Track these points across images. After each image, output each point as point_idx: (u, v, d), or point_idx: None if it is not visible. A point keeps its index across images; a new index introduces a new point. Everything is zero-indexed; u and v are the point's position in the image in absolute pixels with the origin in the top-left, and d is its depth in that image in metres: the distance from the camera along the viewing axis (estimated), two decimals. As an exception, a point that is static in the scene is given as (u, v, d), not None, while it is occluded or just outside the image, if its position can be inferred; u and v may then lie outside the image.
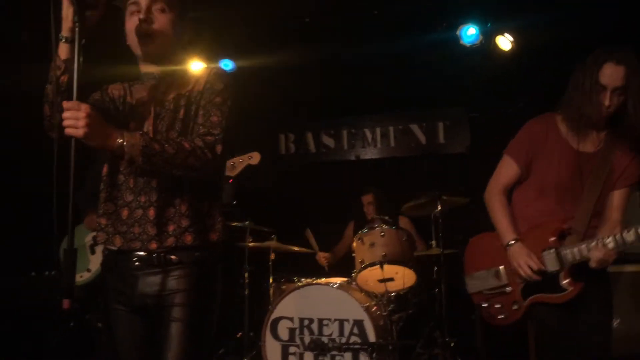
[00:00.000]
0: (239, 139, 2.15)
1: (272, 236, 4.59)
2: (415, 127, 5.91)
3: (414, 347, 4.13)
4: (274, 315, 4.03)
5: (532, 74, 4.96)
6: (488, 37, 4.87)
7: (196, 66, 4.77)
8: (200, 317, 1.97)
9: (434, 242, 4.51)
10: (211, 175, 2.02)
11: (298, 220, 5.49)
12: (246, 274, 4.60)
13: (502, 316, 2.70)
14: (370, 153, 6.07)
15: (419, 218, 4.89)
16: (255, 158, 3.85)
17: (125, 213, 1.96)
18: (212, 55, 5.04)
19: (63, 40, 1.83)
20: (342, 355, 3.84)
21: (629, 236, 2.38)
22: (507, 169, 2.73)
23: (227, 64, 5.31)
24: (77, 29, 1.75)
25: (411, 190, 4.73)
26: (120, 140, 1.78)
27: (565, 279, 2.51)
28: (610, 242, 2.41)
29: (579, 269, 2.50)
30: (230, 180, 4.45)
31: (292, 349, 3.97)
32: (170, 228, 1.94)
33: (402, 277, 4.18)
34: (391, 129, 5.99)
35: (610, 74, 2.40)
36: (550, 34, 4.51)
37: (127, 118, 2.02)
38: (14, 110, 4.01)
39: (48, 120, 1.88)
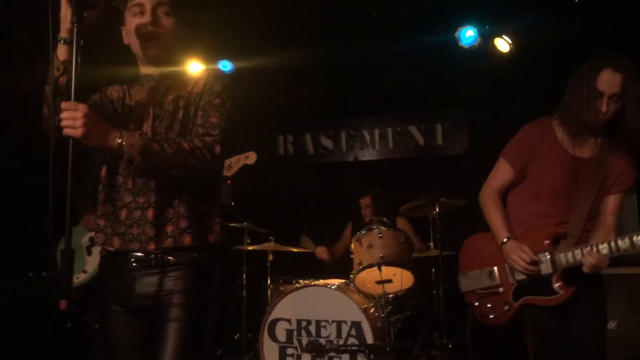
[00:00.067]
0: (237, 140, 2.15)
1: (271, 237, 4.59)
2: (413, 129, 5.91)
3: (411, 348, 4.13)
4: (271, 317, 4.03)
5: (530, 76, 4.97)
6: (486, 39, 4.88)
7: (195, 67, 4.77)
8: (198, 317, 1.97)
9: (431, 244, 4.51)
10: (210, 176, 2.02)
11: (296, 221, 5.50)
12: (244, 275, 4.60)
13: (492, 316, 2.74)
14: (368, 154, 6.07)
15: (417, 219, 4.90)
16: (251, 158, 3.85)
17: (123, 214, 1.96)
18: (210, 56, 5.04)
19: (62, 42, 1.83)
20: (339, 357, 3.85)
21: (624, 244, 2.40)
22: (502, 172, 2.76)
23: (225, 65, 5.31)
24: (75, 29, 1.75)
25: (409, 191, 4.73)
26: (119, 140, 1.78)
27: (557, 283, 2.54)
28: (604, 248, 2.43)
29: (572, 273, 2.52)
30: (229, 182, 4.45)
31: (289, 351, 3.97)
32: (169, 229, 1.94)
33: (400, 278, 4.18)
34: (390, 130, 5.99)
35: (608, 81, 2.42)
36: (548, 35, 4.52)
37: (126, 119, 2.02)
38: (14, 110, 4.01)
39: (47, 122, 1.88)
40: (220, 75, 2.10)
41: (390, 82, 5.45)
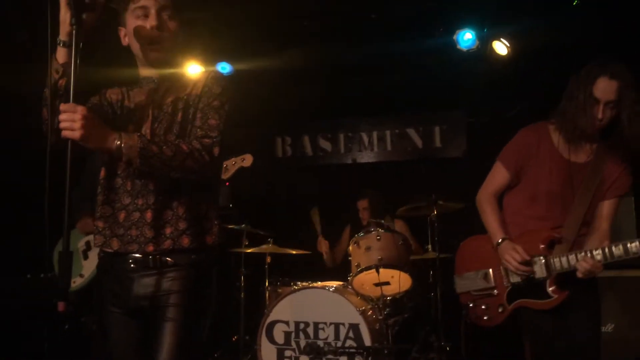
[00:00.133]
0: (236, 142, 2.16)
1: (269, 239, 4.59)
2: (412, 131, 5.92)
3: (409, 351, 4.13)
4: (269, 319, 4.02)
5: (529, 78, 4.99)
6: (484, 42, 4.89)
7: (193, 69, 4.78)
8: (195, 318, 1.97)
9: (429, 246, 4.52)
10: (208, 177, 2.03)
11: (294, 223, 5.50)
12: (242, 277, 4.60)
13: (486, 317, 2.78)
14: (367, 157, 6.08)
15: (415, 222, 4.90)
16: (247, 160, 3.84)
17: (122, 216, 1.96)
18: (209, 58, 5.04)
19: (61, 45, 1.83)
20: (337, 359, 3.84)
21: (617, 250, 2.43)
22: (498, 175, 2.80)
23: (224, 67, 5.32)
24: (74, 32, 1.75)
25: (408, 194, 4.74)
26: (118, 142, 1.78)
27: (551, 286, 2.56)
28: (598, 254, 2.46)
29: (566, 277, 2.55)
30: (227, 183, 4.45)
31: (287, 353, 3.97)
32: (168, 231, 1.94)
33: (398, 281, 4.18)
34: (388, 132, 6.00)
35: (604, 88, 2.45)
36: (546, 38, 4.54)
37: (125, 122, 2.02)
38: (15, 110, 4.01)
39: (46, 124, 1.88)
40: (219, 77, 2.11)
41: (389, 84, 5.46)
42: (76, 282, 3.77)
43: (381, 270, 4.08)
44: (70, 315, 1.72)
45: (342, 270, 4.65)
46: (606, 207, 2.63)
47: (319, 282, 4.22)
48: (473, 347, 4.10)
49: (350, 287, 4.20)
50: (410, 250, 4.40)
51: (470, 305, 2.84)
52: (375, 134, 6.03)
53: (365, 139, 6.07)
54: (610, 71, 2.45)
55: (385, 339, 3.91)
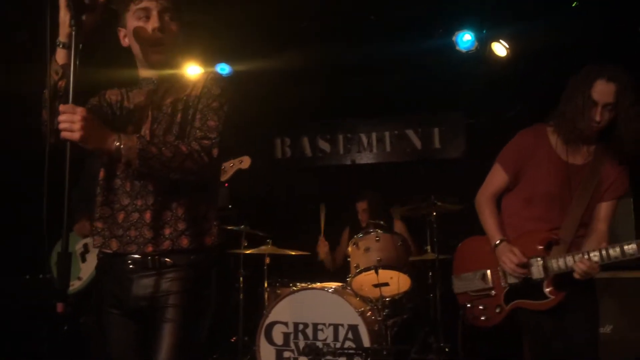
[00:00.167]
0: (235, 143, 2.16)
1: (268, 240, 4.59)
2: (410, 132, 5.93)
3: (408, 352, 4.13)
4: (268, 320, 4.02)
5: (528, 80, 4.99)
6: (484, 43, 4.90)
7: (193, 70, 4.78)
8: (193, 319, 1.97)
9: (428, 247, 4.52)
10: (208, 178, 2.03)
11: (293, 224, 5.50)
12: (241, 278, 4.60)
13: (484, 318, 2.79)
14: (366, 158, 6.09)
15: (414, 223, 4.90)
16: (245, 162, 3.84)
17: (121, 217, 1.96)
18: (208, 58, 5.05)
19: (60, 46, 1.84)
20: (336, 360, 3.85)
21: (614, 252, 2.44)
22: (496, 177, 2.81)
23: (223, 68, 5.32)
24: (74, 33, 1.75)
25: (407, 195, 4.74)
26: (117, 143, 1.78)
27: (548, 287, 2.58)
28: (595, 255, 2.47)
29: (564, 278, 2.56)
30: (226, 184, 4.45)
31: (286, 354, 3.97)
32: (167, 231, 1.94)
33: (397, 282, 4.19)
34: (387, 133, 6.01)
35: (602, 91, 2.47)
36: (545, 40, 4.55)
37: (124, 123, 2.02)
38: (15, 110, 4.01)
39: (46, 125, 1.88)
40: (218, 78, 2.11)
41: (388, 85, 5.47)
42: (74, 285, 3.76)
43: (380, 271, 4.09)
44: (69, 317, 1.72)
45: (341, 271, 4.65)
46: (604, 209, 2.64)
47: (318, 283, 4.22)
48: (470, 347, 4.10)
49: (349, 288, 4.20)
50: (410, 251, 4.41)
51: (468, 305, 2.86)
52: (374, 135, 6.04)
53: (365, 140, 6.08)
54: (608, 74, 2.47)
55: (384, 340, 3.91)
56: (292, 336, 3.96)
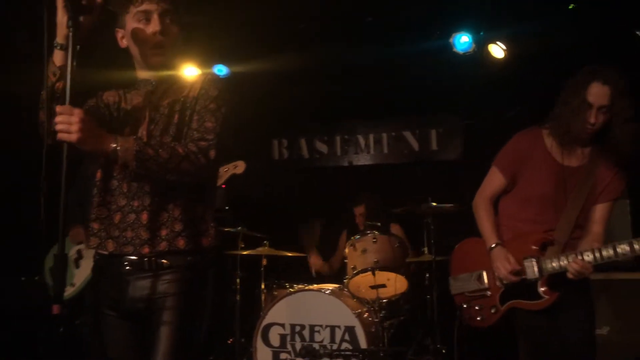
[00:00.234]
0: (233, 145, 2.16)
1: (265, 242, 4.58)
2: (408, 134, 5.94)
3: (405, 353, 4.13)
4: (265, 321, 4.02)
5: (525, 82, 5.00)
6: (481, 45, 4.91)
7: (190, 71, 4.77)
8: (190, 321, 1.96)
9: (425, 249, 4.52)
10: (205, 180, 2.02)
11: (291, 225, 5.49)
12: (238, 280, 4.59)
13: (480, 318, 2.81)
14: (363, 159, 6.09)
15: (411, 224, 4.90)
16: (240, 167, 3.82)
17: (117, 217, 1.96)
18: (206, 60, 5.04)
19: (58, 47, 1.84)
20: (333, 362, 3.84)
21: (607, 252, 2.47)
22: (493, 180, 2.84)
23: (221, 70, 5.32)
24: (71, 34, 1.75)
25: (404, 196, 4.74)
26: (114, 145, 1.78)
27: (542, 287, 2.60)
28: (588, 255, 2.50)
29: (558, 279, 2.58)
30: (223, 186, 4.44)
31: (283, 355, 3.97)
32: (163, 232, 1.94)
33: (394, 283, 4.19)
34: (384, 135, 6.02)
35: (596, 93, 2.49)
36: (542, 42, 4.56)
37: (121, 124, 2.02)
38: (14, 110, 4.00)
39: (43, 127, 1.87)
40: (216, 79, 2.11)
41: (385, 87, 5.47)
42: (67, 291, 3.73)
43: (377, 272, 4.09)
44: (65, 318, 1.71)
45: (338, 273, 4.65)
46: (599, 211, 2.67)
47: (315, 285, 4.23)
48: (467, 349, 4.10)
49: (346, 289, 4.20)
50: (407, 252, 4.41)
51: (465, 306, 2.88)
52: (371, 137, 6.04)
53: (362, 141, 6.08)
54: (603, 76, 2.49)
55: (381, 342, 3.92)
56: (288, 338, 3.96)
